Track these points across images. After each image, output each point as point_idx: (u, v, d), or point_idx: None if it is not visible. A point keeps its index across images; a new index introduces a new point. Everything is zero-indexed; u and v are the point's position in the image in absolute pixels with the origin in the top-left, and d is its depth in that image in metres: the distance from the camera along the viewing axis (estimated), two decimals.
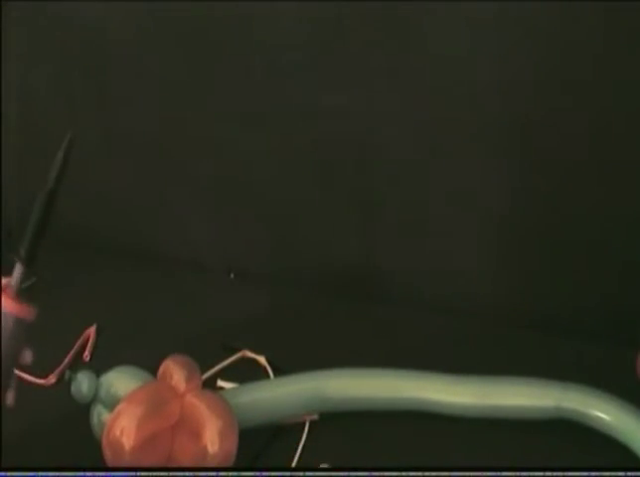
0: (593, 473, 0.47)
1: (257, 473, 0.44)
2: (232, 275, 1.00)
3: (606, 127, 0.73)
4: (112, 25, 0.89)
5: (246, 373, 0.77)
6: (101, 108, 0.97)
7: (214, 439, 0.59)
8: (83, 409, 0.64)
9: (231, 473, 0.43)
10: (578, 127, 0.74)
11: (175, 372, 0.64)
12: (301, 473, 0.47)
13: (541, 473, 0.47)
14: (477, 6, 0.71)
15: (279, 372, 0.77)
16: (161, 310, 0.92)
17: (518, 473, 0.47)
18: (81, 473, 0.45)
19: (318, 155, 0.87)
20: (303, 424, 0.70)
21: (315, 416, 0.70)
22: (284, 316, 0.89)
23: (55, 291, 0.98)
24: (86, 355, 0.84)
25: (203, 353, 0.71)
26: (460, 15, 0.72)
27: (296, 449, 0.67)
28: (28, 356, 0.59)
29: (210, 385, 0.74)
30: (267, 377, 0.77)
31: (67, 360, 0.82)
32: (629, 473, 0.46)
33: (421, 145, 0.81)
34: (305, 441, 0.68)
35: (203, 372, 0.69)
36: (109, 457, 0.59)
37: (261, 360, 0.79)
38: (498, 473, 0.47)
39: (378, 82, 0.80)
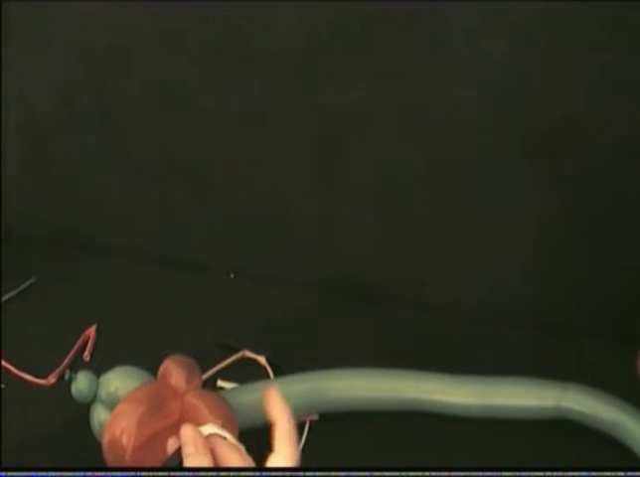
0: (593, 473, 0.47)
1: (257, 473, 0.44)
2: (232, 275, 1.00)
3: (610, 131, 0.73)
4: (113, 25, 0.89)
5: (246, 373, 0.77)
6: (102, 109, 0.97)
7: None
8: (83, 409, 0.64)
9: (231, 473, 0.43)
10: (592, 131, 0.73)
11: (175, 372, 0.64)
12: (301, 473, 0.47)
13: (541, 473, 0.46)
14: (479, 6, 0.71)
15: (279, 372, 0.77)
16: (161, 310, 0.92)
17: (518, 473, 0.47)
18: (82, 473, 0.45)
19: (319, 155, 0.87)
20: (303, 424, 0.70)
21: (315, 416, 0.70)
22: (284, 316, 0.89)
23: (55, 291, 0.98)
24: (86, 355, 0.84)
25: (203, 353, 0.71)
26: (463, 14, 0.72)
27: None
28: None
29: (210, 385, 0.75)
30: (267, 377, 0.77)
31: (67, 360, 0.82)
32: (629, 473, 0.46)
33: (424, 145, 0.81)
34: (305, 441, 0.68)
35: (203, 372, 0.69)
36: (109, 457, 0.59)
37: (261, 360, 0.79)
38: (498, 473, 0.47)
39: (378, 83, 0.80)
